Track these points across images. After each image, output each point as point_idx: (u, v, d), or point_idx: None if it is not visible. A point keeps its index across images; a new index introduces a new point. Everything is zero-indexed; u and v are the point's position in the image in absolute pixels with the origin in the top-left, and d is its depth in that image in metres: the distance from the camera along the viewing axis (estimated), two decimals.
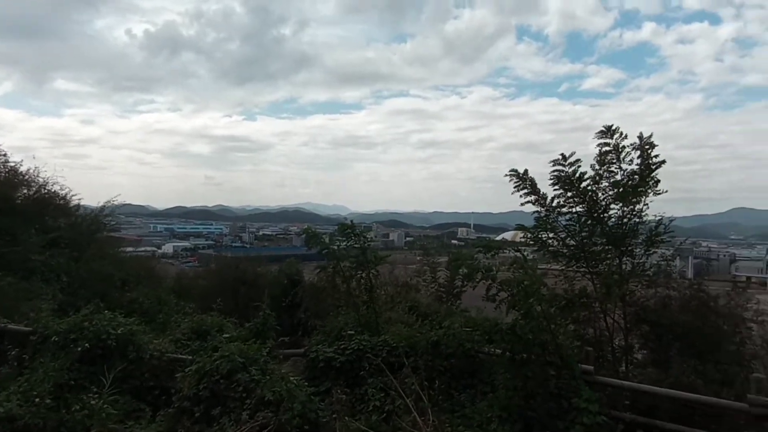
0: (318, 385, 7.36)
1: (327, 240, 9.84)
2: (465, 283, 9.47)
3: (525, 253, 8.73)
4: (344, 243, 9.15)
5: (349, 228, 8.90)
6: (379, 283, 10.80)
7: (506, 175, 9.31)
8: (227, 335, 7.94)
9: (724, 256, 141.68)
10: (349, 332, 8.13)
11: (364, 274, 8.96)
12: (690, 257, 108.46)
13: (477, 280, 7.32)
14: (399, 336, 7.91)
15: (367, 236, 9.65)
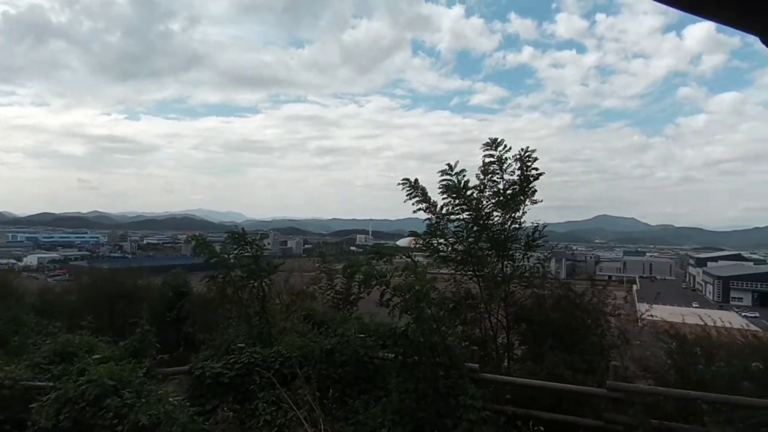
0: (204, 404, 6.92)
1: (218, 248, 9.33)
2: (362, 289, 9.56)
3: (417, 259, 9.04)
4: (235, 251, 8.74)
5: (241, 236, 8.53)
6: (273, 293, 10.48)
7: (399, 183, 9.61)
8: (98, 356, 7.15)
9: (591, 258, 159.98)
10: (240, 345, 7.77)
11: (256, 284, 8.63)
12: (563, 259, 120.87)
13: (372, 286, 7.42)
14: (292, 346, 7.73)
15: (261, 244, 9.32)
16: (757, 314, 60.47)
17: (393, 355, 7.25)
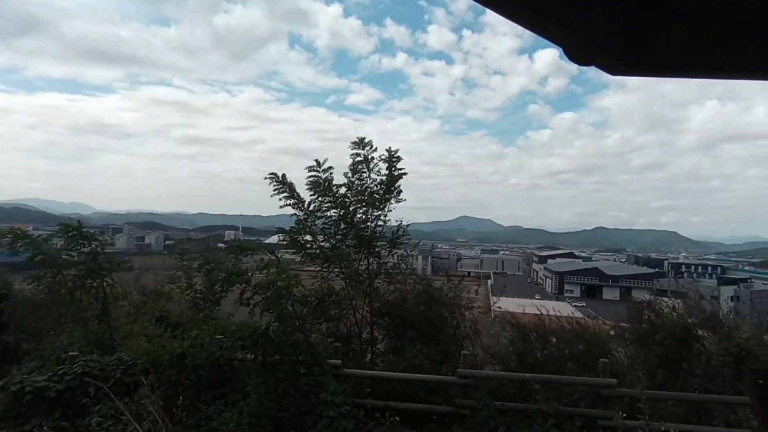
0: (23, 424, 5.93)
1: (51, 245, 8.06)
2: (224, 288, 9.04)
3: (285, 256, 8.79)
4: (70, 247, 7.64)
5: (75, 229, 7.47)
6: (119, 293, 9.41)
7: (266, 178, 9.27)
8: None
9: (453, 255, 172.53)
10: (72, 353, 6.81)
11: (96, 284, 7.64)
12: (429, 257, 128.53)
13: (233, 283, 7.04)
14: (137, 352, 6.99)
15: (104, 239, 8.28)
16: (584, 304, 70.44)
17: (253, 356, 6.96)
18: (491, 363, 9.53)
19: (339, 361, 7.63)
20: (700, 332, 8.72)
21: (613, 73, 1.16)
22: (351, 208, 9.34)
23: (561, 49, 1.13)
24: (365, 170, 9.29)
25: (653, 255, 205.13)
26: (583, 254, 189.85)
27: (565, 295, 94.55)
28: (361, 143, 9.26)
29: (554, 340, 9.49)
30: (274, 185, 9.30)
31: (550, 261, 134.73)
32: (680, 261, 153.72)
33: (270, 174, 9.27)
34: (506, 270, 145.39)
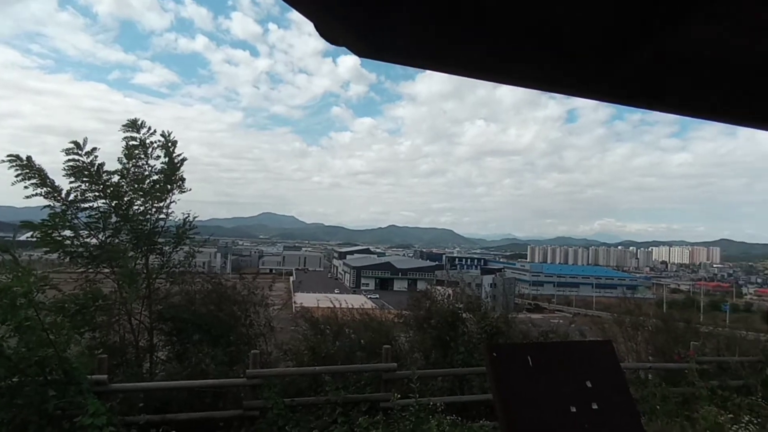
0: None
1: None
2: None
3: (36, 256, 7.19)
4: None
5: None
6: None
7: (4, 161, 7.39)
8: None
9: (255, 252, 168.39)
10: None
11: None
12: (229, 254, 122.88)
13: None
14: None
15: None
16: (378, 296, 76.34)
17: None
18: (285, 360, 9.44)
19: (105, 376, 6.56)
20: (465, 315, 10.08)
21: (362, 55, 1.09)
22: (126, 199, 8.12)
23: (313, 25, 1.03)
24: (142, 156, 8.17)
25: (434, 250, 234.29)
26: (378, 250, 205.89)
27: (362, 288, 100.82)
28: (134, 125, 8.10)
29: (346, 330, 9.89)
30: (17, 170, 7.49)
31: (348, 257, 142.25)
32: (454, 255, 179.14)
33: (8, 156, 7.41)
34: (308, 266, 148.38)
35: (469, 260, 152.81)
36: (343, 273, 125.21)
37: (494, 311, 11.19)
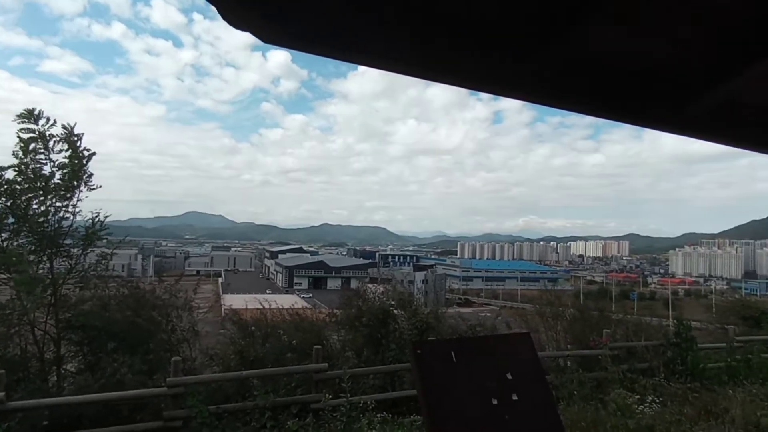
0: None
1: None
2: None
3: None
4: None
5: None
6: None
7: None
8: None
9: (180, 253, 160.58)
10: None
11: None
12: (152, 256, 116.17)
13: None
14: None
15: None
16: (311, 295, 75.47)
17: None
18: (211, 365, 9.03)
19: (2, 394, 5.91)
20: (396, 312, 10.17)
21: (266, 41, 1.00)
22: (23, 198, 7.34)
23: (215, 8, 0.93)
24: (42, 150, 7.43)
25: (368, 248, 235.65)
26: (311, 249, 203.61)
27: (295, 288, 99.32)
28: (30, 115, 7.32)
29: (277, 332, 9.62)
30: None
31: (281, 256, 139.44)
32: (388, 253, 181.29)
33: None
34: (239, 267, 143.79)
35: (402, 257, 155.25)
36: (275, 273, 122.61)
37: (425, 307, 11.39)
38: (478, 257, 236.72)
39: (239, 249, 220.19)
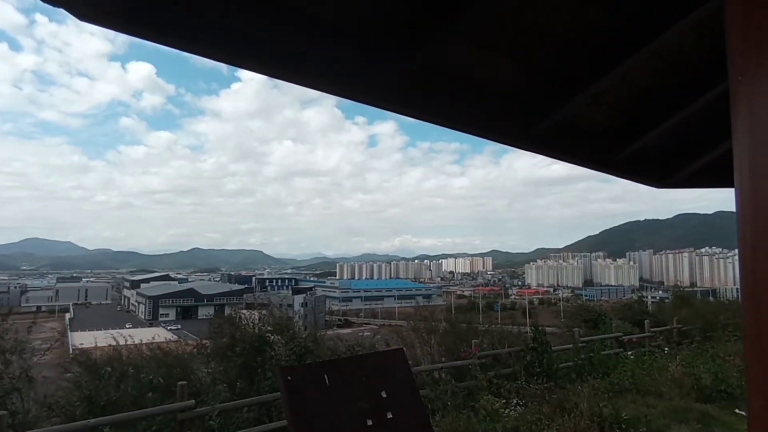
0: None
1: None
2: None
3: None
4: None
5: None
6: None
7: None
8: None
9: (16, 287, 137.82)
10: None
11: None
12: None
13: None
14: None
15: None
16: (179, 326, 69.56)
17: None
18: (50, 417, 7.73)
19: None
20: (273, 338, 9.74)
21: (81, 18, 0.85)
22: None
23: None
24: None
25: (243, 272, 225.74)
26: (179, 276, 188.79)
27: (160, 319, 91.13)
28: None
29: (132, 371, 8.59)
30: None
31: (143, 285, 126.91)
32: (265, 276, 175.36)
33: None
34: (91, 299, 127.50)
35: (280, 281, 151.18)
36: (136, 304, 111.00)
37: (304, 331, 11.11)
38: (357, 277, 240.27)
39: (92, 279, 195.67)
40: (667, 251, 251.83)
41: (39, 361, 8.86)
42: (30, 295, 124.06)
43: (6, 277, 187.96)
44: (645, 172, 1.75)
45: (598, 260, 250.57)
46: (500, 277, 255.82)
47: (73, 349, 10.98)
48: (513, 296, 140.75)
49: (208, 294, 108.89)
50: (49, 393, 8.22)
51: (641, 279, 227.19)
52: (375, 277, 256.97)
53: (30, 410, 7.79)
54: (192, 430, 6.64)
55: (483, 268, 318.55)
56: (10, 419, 6.48)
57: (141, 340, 10.14)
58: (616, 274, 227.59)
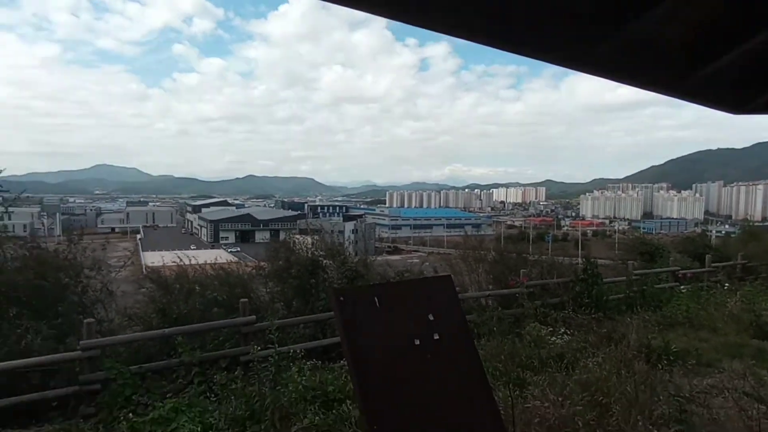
0: None
1: None
2: None
3: None
4: None
5: None
6: None
7: None
8: None
9: (91, 210, 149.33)
10: None
11: None
12: (57, 214, 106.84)
13: None
14: None
15: None
16: (239, 249, 73.78)
17: None
18: (131, 326, 8.63)
19: None
20: (325, 262, 10.18)
21: None
22: None
23: None
24: None
25: (296, 199, 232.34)
26: (236, 201, 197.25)
27: (221, 242, 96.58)
28: None
29: (203, 288, 9.31)
30: None
31: (204, 210, 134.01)
32: (317, 203, 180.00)
33: None
34: (158, 222, 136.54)
35: (331, 208, 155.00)
36: (199, 228, 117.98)
37: (355, 256, 11.51)
38: (406, 206, 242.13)
39: (158, 204, 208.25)
40: (740, 183, 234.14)
41: (117, 277, 9.75)
42: (104, 217, 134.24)
43: (82, 201, 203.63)
44: (722, 95, 1.59)
45: (661, 192, 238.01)
46: (553, 207, 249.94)
47: (145, 267, 11.93)
48: (566, 228, 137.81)
49: (263, 219, 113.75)
50: (128, 305, 9.12)
51: (707, 212, 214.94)
52: (424, 205, 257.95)
53: (113, 319, 8.71)
54: (254, 342, 7.24)
55: (535, 198, 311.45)
56: (97, 326, 7.28)
57: (205, 261, 10.87)
58: (680, 207, 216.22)
